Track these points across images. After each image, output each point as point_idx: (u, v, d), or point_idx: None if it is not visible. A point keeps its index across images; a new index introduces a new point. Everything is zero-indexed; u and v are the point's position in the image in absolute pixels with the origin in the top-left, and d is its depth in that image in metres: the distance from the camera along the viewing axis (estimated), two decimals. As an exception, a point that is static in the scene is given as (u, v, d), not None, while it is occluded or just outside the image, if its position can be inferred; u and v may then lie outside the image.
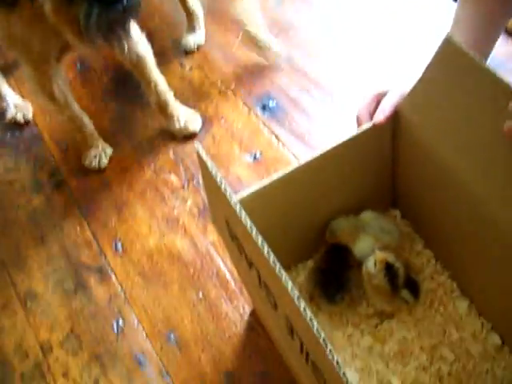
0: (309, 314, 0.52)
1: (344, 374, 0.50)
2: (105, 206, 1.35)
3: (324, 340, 0.51)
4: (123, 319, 1.17)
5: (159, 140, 1.45)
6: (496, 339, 0.94)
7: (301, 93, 1.45)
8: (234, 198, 0.65)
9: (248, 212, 0.82)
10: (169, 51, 1.65)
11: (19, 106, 1.59)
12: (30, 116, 1.59)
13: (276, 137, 1.37)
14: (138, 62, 1.33)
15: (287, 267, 1.05)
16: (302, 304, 0.53)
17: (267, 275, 0.64)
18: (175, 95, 1.42)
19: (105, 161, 1.43)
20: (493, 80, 0.71)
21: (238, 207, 0.64)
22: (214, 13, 1.69)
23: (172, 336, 1.12)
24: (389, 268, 0.92)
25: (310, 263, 1.07)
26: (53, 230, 1.35)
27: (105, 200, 1.36)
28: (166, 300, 1.17)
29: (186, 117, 1.43)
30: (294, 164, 0.88)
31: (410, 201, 1.06)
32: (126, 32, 1.12)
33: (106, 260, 1.26)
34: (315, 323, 0.52)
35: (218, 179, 0.67)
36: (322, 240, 1.03)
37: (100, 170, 1.43)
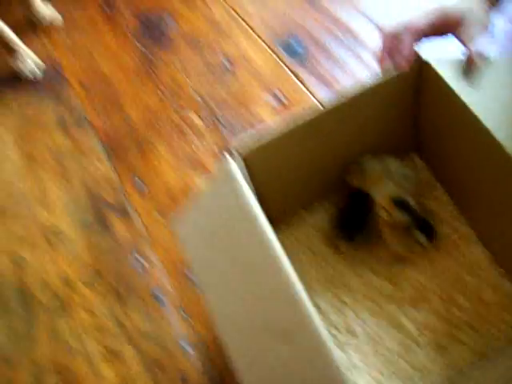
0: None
1: None
2: (127, 145, 1.35)
3: None
4: (143, 256, 1.19)
5: (182, 78, 1.44)
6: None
7: (324, 35, 1.43)
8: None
9: (268, 154, 0.82)
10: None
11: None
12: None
13: (299, 79, 1.35)
14: None
15: (303, 207, 1.05)
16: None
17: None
18: (197, 35, 1.42)
19: (31, 66, 1.58)
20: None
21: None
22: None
23: (190, 274, 1.14)
24: (399, 204, 0.91)
25: (327, 204, 1.07)
26: (76, 167, 1.36)
27: (127, 139, 1.37)
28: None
29: (45, 10, 1.70)
30: (317, 107, 0.87)
31: (431, 146, 1.05)
32: None
33: (128, 198, 1.27)
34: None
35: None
36: (339, 182, 1.01)
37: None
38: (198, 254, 0.84)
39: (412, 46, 0.85)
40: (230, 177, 0.76)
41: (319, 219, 1.06)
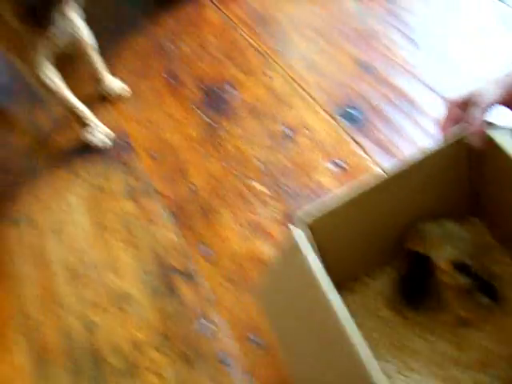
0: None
1: None
2: (193, 212, 1.40)
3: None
4: (210, 321, 1.21)
5: (245, 147, 1.49)
6: None
7: (383, 101, 1.46)
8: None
9: (331, 221, 0.85)
10: (253, 60, 1.70)
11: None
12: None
13: (359, 145, 1.38)
14: (84, 44, 1.68)
15: (365, 273, 1.07)
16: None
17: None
18: (259, 104, 1.48)
19: (101, 137, 1.67)
20: None
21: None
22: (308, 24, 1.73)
23: (256, 339, 1.15)
24: (460, 267, 0.92)
25: (389, 270, 1.08)
26: (143, 234, 1.41)
27: (192, 206, 1.41)
28: (250, 303, 1.20)
29: (114, 84, 1.79)
30: (376, 172, 0.89)
31: (491, 209, 1.05)
32: (61, 10, 1.37)
33: (194, 263, 1.31)
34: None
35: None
36: (399, 247, 1.02)
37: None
38: (275, 321, 0.87)
39: (482, 118, 0.84)
40: (296, 246, 0.79)
41: (381, 284, 1.06)
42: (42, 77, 1.53)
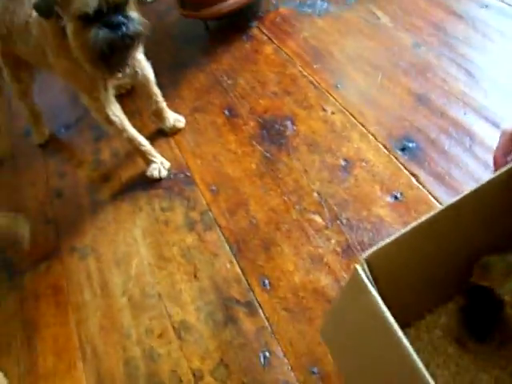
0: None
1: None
2: (253, 244, 1.43)
3: None
4: (269, 351, 1.23)
5: (304, 180, 1.51)
6: None
7: (440, 133, 1.47)
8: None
9: (392, 257, 0.85)
10: (310, 95, 1.73)
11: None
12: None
13: (416, 178, 1.39)
14: (146, 81, 1.74)
15: (428, 310, 1.07)
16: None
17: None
18: (317, 138, 1.51)
19: (164, 172, 1.74)
20: None
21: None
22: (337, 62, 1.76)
23: (315, 369, 1.16)
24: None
25: (452, 305, 1.08)
26: (205, 266, 1.45)
27: (253, 238, 1.44)
28: (310, 334, 1.22)
29: (174, 118, 1.87)
30: (434, 205, 0.90)
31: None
32: (130, 56, 1.42)
33: (254, 295, 1.33)
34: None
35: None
36: (462, 281, 1.02)
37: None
38: (340, 359, 0.89)
39: None
40: (360, 285, 0.80)
41: (446, 320, 1.07)
42: (109, 114, 1.61)
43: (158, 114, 1.85)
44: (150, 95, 1.79)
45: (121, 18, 1.32)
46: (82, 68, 1.44)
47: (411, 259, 0.92)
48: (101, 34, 1.30)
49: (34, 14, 1.48)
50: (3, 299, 1.66)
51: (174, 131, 1.88)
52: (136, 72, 1.68)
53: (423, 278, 0.98)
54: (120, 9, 1.33)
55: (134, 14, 1.36)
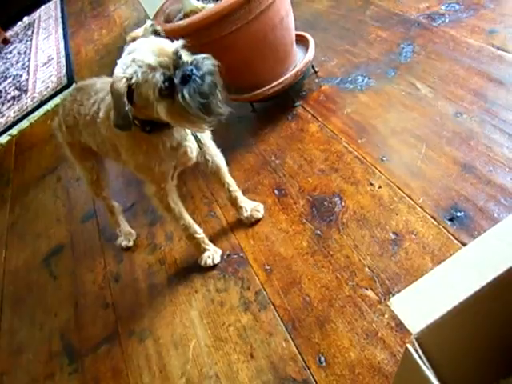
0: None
1: None
2: (307, 322, 1.44)
3: None
4: (330, 431, 1.23)
5: (355, 256, 1.53)
6: None
7: (487, 201, 1.47)
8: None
9: (444, 333, 0.84)
10: (357, 171, 1.76)
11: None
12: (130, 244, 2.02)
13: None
14: (217, 169, 1.75)
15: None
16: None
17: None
18: (365, 213, 1.54)
19: (217, 259, 1.76)
20: None
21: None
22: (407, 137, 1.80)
23: None
24: None
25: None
26: (261, 345, 1.46)
27: (307, 316, 1.45)
28: (370, 412, 1.22)
29: (251, 208, 1.83)
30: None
31: None
32: (220, 91, 1.39)
33: (311, 373, 1.34)
34: None
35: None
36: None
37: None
38: None
39: None
40: (415, 366, 0.80)
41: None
42: (170, 202, 1.65)
43: (233, 203, 1.84)
44: (222, 184, 1.80)
45: (187, 68, 1.33)
46: (154, 161, 1.51)
47: (465, 331, 0.90)
48: (185, 92, 1.31)
49: (101, 114, 1.56)
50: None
51: (252, 221, 1.84)
52: (206, 160, 1.70)
53: (481, 351, 0.96)
54: (179, 63, 1.33)
55: (189, 56, 1.37)
